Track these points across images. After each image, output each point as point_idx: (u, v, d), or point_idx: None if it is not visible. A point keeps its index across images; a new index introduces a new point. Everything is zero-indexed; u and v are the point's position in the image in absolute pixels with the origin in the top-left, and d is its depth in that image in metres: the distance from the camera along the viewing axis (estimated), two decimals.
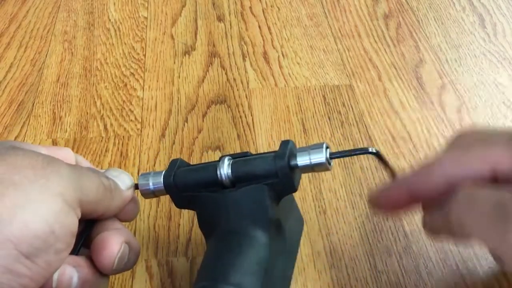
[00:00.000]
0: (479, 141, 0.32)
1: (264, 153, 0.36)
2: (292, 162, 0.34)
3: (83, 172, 0.32)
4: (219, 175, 0.35)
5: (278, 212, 0.35)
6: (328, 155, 0.34)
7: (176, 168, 0.37)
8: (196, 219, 0.37)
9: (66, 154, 0.37)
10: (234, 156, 0.36)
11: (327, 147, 0.34)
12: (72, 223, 0.30)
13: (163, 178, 0.36)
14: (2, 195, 0.28)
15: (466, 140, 0.33)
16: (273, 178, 0.34)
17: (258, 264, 0.33)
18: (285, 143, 0.35)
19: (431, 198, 0.33)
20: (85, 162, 0.38)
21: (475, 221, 0.29)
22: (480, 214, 0.29)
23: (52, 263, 0.29)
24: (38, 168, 0.30)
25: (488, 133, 0.33)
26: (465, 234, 0.30)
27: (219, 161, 0.36)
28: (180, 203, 0.37)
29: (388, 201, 0.35)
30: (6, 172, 0.29)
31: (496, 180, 0.31)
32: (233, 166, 0.35)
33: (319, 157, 0.34)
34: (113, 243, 0.33)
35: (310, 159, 0.34)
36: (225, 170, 0.35)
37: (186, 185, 0.36)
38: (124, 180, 0.36)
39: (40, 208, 0.28)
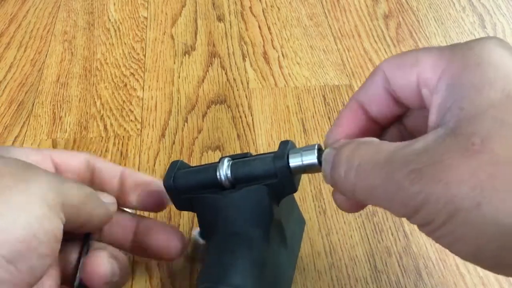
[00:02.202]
0: (424, 48, 0.29)
1: (264, 153, 0.36)
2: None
3: (63, 178, 0.32)
4: (218, 177, 0.35)
5: (279, 212, 0.35)
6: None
7: (176, 169, 0.37)
8: (196, 220, 0.37)
9: (80, 162, 0.37)
10: (234, 157, 0.36)
11: (319, 149, 0.34)
12: (56, 228, 0.30)
13: (164, 180, 0.36)
14: None
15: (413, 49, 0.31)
16: (273, 178, 0.34)
17: (258, 265, 0.33)
18: (284, 144, 0.35)
19: (383, 109, 0.31)
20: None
21: (366, 190, 0.27)
22: (369, 184, 0.27)
23: (36, 269, 0.29)
24: (17, 174, 0.29)
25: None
26: (355, 197, 0.28)
27: (218, 162, 0.36)
28: (180, 205, 0.37)
29: (345, 127, 0.32)
30: None
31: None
32: (232, 167, 0.35)
33: (311, 158, 0.34)
34: (102, 262, 0.34)
35: (302, 160, 0.34)
36: (224, 171, 0.35)
37: (186, 186, 0.36)
38: (104, 195, 0.36)
39: (21, 214, 0.28)
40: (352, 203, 0.32)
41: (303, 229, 0.41)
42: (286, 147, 0.34)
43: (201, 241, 0.40)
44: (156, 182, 0.38)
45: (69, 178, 0.35)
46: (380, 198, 0.26)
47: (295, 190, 0.34)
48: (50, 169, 0.36)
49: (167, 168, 0.37)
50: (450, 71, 0.27)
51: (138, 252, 0.39)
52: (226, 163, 0.35)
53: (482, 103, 0.25)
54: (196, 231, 0.41)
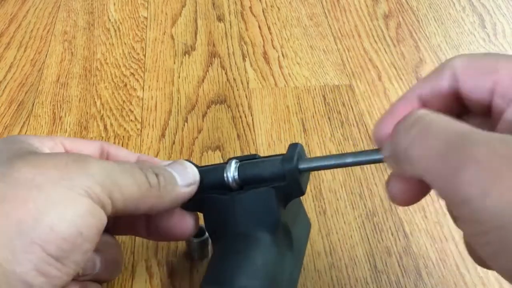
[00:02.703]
0: (501, 54, 0.28)
1: (272, 155, 0.36)
2: (301, 166, 0.34)
3: (116, 168, 0.31)
4: (226, 178, 0.35)
5: (285, 215, 0.35)
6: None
7: None
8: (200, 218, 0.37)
9: (94, 150, 0.36)
10: (242, 159, 0.36)
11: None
12: (99, 222, 0.29)
13: None
14: (25, 199, 0.28)
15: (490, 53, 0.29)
16: (281, 181, 0.34)
17: (264, 267, 0.33)
18: (293, 146, 0.35)
19: (444, 105, 0.29)
20: (144, 157, 0.38)
21: (424, 154, 0.25)
22: (431, 147, 0.24)
23: (80, 263, 0.29)
24: (61, 167, 0.29)
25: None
26: (413, 170, 0.25)
27: (226, 163, 0.36)
28: (187, 205, 0.37)
29: (398, 116, 0.29)
30: (29, 174, 0.28)
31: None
32: (240, 169, 0.35)
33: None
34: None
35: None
36: (232, 172, 0.35)
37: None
38: (185, 175, 0.35)
39: (65, 211, 0.28)
40: (408, 189, 0.29)
41: (309, 232, 0.41)
42: (295, 150, 0.34)
43: (195, 240, 0.40)
44: None
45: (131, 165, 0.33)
46: (440, 173, 0.24)
47: (303, 193, 0.34)
48: None
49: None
50: None
51: (152, 236, 0.38)
52: (234, 164, 0.35)
53: None
54: None
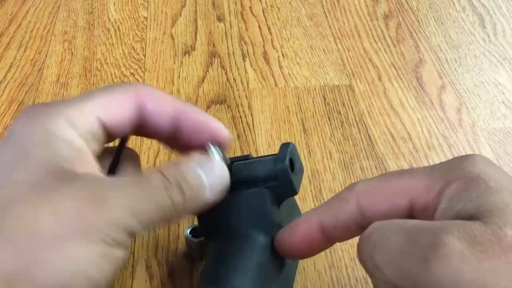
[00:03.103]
0: (401, 171, 0.29)
1: (265, 156, 0.36)
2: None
3: (139, 198, 0.28)
4: None
5: (280, 215, 0.35)
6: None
7: None
8: (196, 219, 0.37)
9: (130, 115, 0.32)
10: (234, 160, 0.36)
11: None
12: (114, 264, 0.28)
13: None
14: (34, 247, 0.26)
15: (389, 172, 0.30)
16: (274, 181, 0.34)
17: (260, 268, 0.33)
18: (285, 146, 0.35)
19: (345, 235, 0.30)
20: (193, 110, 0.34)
21: (387, 257, 0.25)
22: (392, 246, 0.25)
23: None
24: (79, 210, 0.26)
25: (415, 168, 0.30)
26: (383, 276, 0.25)
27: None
28: None
29: (297, 240, 0.31)
30: (44, 219, 0.26)
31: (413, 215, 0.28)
32: (233, 170, 0.35)
33: None
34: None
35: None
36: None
37: None
38: (215, 180, 0.32)
39: (79, 264, 0.26)
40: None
41: None
42: (287, 149, 0.34)
43: (195, 240, 0.40)
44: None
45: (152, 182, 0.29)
46: (407, 268, 0.24)
47: (296, 192, 0.34)
48: (101, 137, 0.32)
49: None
50: (451, 188, 0.27)
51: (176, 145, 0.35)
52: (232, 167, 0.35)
53: (499, 202, 0.25)
54: (187, 230, 0.41)
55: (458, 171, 0.28)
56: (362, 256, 0.27)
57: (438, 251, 0.23)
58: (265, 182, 0.34)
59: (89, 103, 0.31)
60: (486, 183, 0.26)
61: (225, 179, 0.33)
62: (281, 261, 0.35)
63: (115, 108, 0.32)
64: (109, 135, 0.33)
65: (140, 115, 0.33)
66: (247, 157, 0.36)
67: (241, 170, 0.35)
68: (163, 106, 0.33)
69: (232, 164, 0.35)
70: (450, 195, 0.27)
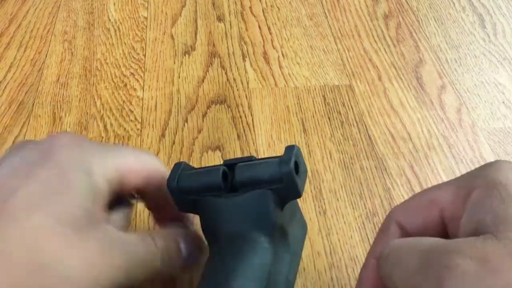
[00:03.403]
0: (431, 186, 0.31)
1: (269, 157, 0.36)
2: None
3: (136, 258, 0.31)
4: (228, 182, 0.35)
5: (282, 217, 0.35)
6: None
7: (180, 171, 0.37)
8: (196, 220, 0.37)
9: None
10: (238, 161, 0.36)
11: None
12: None
13: (167, 182, 0.36)
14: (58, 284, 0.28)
15: (421, 190, 0.32)
16: (278, 183, 0.34)
17: (261, 270, 0.32)
18: (290, 148, 0.35)
19: None
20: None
21: (404, 275, 0.26)
22: (407, 266, 0.26)
23: None
24: (94, 260, 0.29)
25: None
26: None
27: (226, 166, 0.36)
28: (183, 206, 0.37)
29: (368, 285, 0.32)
30: (72, 261, 0.28)
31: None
32: (237, 171, 0.35)
33: None
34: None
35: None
36: (228, 174, 0.35)
37: (190, 188, 0.36)
38: (190, 253, 0.36)
39: None
40: None
41: (305, 234, 0.41)
42: (292, 151, 0.34)
43: None
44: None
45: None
46: (412, 283, 0.25)
47: (300, 195, 0.34)
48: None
49: (170, 170, 0.37)
50: (473, 196, 0.27)
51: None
52: (235, 168, 0.35)
53: None
54: None
55: (481, 179, 0.28)
56: (381, 273, 0.28)
57: (451, 272, 0.23)
58: (269, 184, 0.34)
59: (116, 157, 0.34)
60: (507, 191, 0.26)
61: (200, 247, 0.37)
62: (282, 262, 0.35)
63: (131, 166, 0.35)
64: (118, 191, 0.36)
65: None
66: (250, 159, 0.36)
67: (244, 171, 0.35)
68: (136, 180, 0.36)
69: (235, 164, 0.36)
70: (472, 203, 0.27)
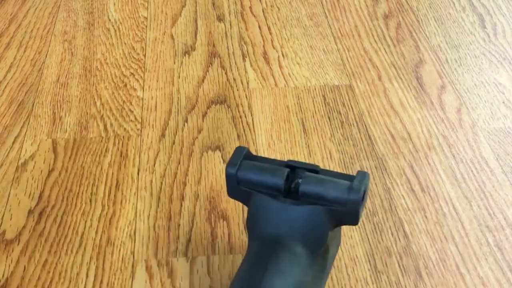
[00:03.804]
0: None
1: (337, 174, 0.35)
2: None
3: None
4: (287, 185, 0.35)
5: (329, 237, 0.35)
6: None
7: (242, 158, 0.36)
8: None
9: None
10: (303, 166, 0.35)
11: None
12: None
13: (227, 166, 0.36)
14: None
15: None
16: (341, 206, 0.34)
17: (300, 286, 0.32)
18: (362, 175, 0.34)
19: None
20: None
21: None
22: None
23: None
24: None
25: None
26: None
27: (289, 168, 0.35)
28: (235, 194, 0.36)
29: None
30: None
31: None
32: (304, 180, 0.35)
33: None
34: None
35: None
36: (295, 182, 0.35)
37: (249, 180, 0.35)
38: None
39: None
40: None
41: (337, 250, 0.41)
42: (363, 180, 0.34)
43: None
44: None
45: None
46: None
47: (357, 223, 0.34)
48: None
49: (232, 153, 0.36)
50: None
51: None
52: (300, 173, 0.35)
53: None
54: None
55: None
56: None
57: None
58: (331, 204, 0.34)
59: None
60: None
61: None
62: (318, 282, 0.35)
63: None
64: None
65: None
66: (315, 168, 0.35)
67: (311, 182, 0.34)
68: None
69: (297, 168, 0.35)
70: None
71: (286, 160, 0.37)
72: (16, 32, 0.64)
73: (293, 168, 0.36)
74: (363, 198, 0.34)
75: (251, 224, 0.35)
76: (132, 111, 0.54)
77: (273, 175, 0.35)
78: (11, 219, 0.44)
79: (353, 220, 0.34)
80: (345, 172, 0.48)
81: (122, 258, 0.42)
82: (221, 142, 0.51)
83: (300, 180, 0.35)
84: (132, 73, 0.58)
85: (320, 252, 0.34)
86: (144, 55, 0.61)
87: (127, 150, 0.50)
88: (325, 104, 0.55)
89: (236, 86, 0.57)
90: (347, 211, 0.34)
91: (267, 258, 0.33)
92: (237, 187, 0.36)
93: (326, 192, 0.34)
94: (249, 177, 0.35)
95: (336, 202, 0.34)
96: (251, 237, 0.36)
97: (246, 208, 0.45)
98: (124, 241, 0.43)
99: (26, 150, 0.50)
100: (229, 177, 0.36)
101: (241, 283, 0.32)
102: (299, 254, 0.33)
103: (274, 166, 0.36)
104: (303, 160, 0.49)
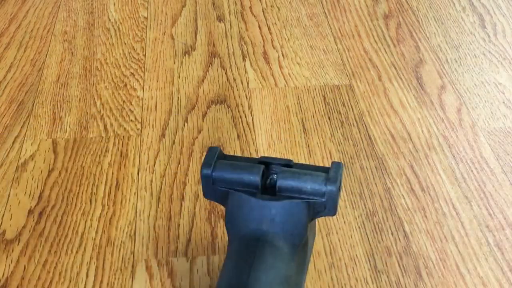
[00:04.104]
0: None
1: (311, 166, 0.35)
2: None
3: None
4: (262, 181, 0.35)
5: (308, 229, 0.35)
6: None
7: (216, 158, 0.36)
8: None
9: None
10: (276, 161, 0.35)
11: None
12: None
13: (202, 167, 0.36)
14: None
15: None
16: (319, 198, 0.34)
17: (287, 282, 0.32)
18: (337, 166, 0.34)
19: None
20: None
21: None
22: None
23: None
24: None
25: None
26: None
27: (263, 164, 0.35)
28: (210, 195, 0.36)
29: None
30: None
31: None
32: (281, 176, 0.34)
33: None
34: None
35: None
36: (270, 178, 0.35)
37: (225, 179, 0.35)
38: None
39: None
40: None
41: (313, 242, 0.41)
42: (339, 170, 0.34)
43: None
44: None
45: None
46: None
47: (335, 213, 0.34)
48: None
49: (204, 154, 0.36)
50: None
51: None
52: (275, 169, 0.35)
53: None
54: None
55: None
56: None
57: None
58: (309, 196, 0.34)
59: None
60: None
61: None
62: (300, 273, 0.35)
63: None
64: None
65: None
66: (289, 163, 0.35)
67: (288, 177, 0.34)
68: None
69: (271, 164, 0.35)
70: None
71: (259, 157, 0.36)
72: (16, 32, 0.64)
73: (268, 164, 0.36)
74: (339, 188, 0.34)
75: (231, 223, 0.35)
76: (132, 111, 0.54)
77: (249, 172, 0.35)
78: (11, 219, 0.44)
79: (331, 210, 0.34)
80: (345, 172, 0.48)
81: (122, 258, 0.42)
82: (221, 142, 0.51)
83: (275, 176, 0.35)
84: (132, 73, 0.58)
85: (301, 245, 0.34)
86: (144, 55, 0.61)
87: (127, 150, 0.50)
88: (325, 104, 0.55)
89: (236, 86, 0.57)
90: (325, 202, 0.34)
91: (251, 255, 0.33)
92: (212, 187, 0.36)
93: (303, 185, 0.34)
94: (225, 177, 0.35)
95: (314, 194, 0.34)
96: (232, 236, 0.35)
97: None
98: (124, 241, 0.43)
99: (26, 150, 0.50)
100: (204, 178, 0.35)
101: (228, 281, 0.32)
102: (282, 249, 0.33)
103: (248, 164, 0.35)
104: (303, 160, 0.49)
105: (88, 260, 0.42)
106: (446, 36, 0.63)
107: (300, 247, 0.34)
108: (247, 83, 0.57)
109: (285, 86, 0.57)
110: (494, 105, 0.55)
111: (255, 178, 0.35)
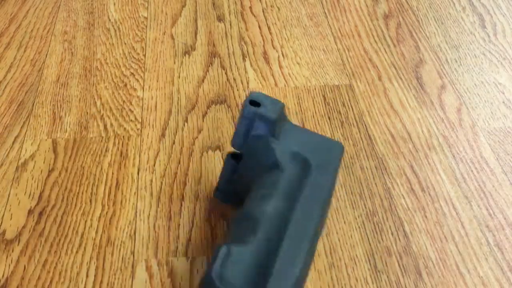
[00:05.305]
0: None
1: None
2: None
3: None
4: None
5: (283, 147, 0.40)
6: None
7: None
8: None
9: None
10: (236, 155, 0.42)
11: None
12: None
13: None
14: None
15: None
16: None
17: (274, 184, 0.37)
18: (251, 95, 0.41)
19: None
20: None
21: None
22: None
23: None
24: None
25: None
26: None
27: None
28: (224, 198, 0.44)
29: None
30: None
31: None
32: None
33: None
34: None
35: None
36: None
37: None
38: None
39: None
40: None
41: (338, 156, 0.40)
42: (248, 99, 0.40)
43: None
44: None
45: None
46: None
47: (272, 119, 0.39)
48: None
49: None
50: None
51: None
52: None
53: None
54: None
55: None
56: None
57: None
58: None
59: None
60: None
61: None
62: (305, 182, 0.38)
63: None
64: None
65: None
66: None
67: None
68: None
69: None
70: None
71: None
72: (16, 32, 0.64)
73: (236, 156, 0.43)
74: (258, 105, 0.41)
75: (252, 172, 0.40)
76: (132, 111, 0.54)
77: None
78: (11, 219, 0.44)
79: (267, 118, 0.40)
80: (345, 172, 0.48)
81: (122, 258, 0.42)
82: (221, 142, 0.51)
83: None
84: (132, 73, 0.58)
85: (292, 161, 0.39)
86: (144, 55, 0.61)
87: (127, 150, 0.50)
88: (325, 104, 0.55)
89: (236, 86, 0.57)
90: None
91: (301, 175, 0.38)
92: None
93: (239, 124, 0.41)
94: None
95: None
96: (255, 177, 0.39)
97: None
98: (124, 241, 0.43)
99: (26, 150, 0.50)
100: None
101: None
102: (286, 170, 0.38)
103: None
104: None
105: (88, 260, 0.42)
106: (446, 36, 0.63)
107: (292, 164, 0.39)
108: (247, 83, 0.57)
109: (285, 86, 0.57)
110: (494, 105, 0.55)
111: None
